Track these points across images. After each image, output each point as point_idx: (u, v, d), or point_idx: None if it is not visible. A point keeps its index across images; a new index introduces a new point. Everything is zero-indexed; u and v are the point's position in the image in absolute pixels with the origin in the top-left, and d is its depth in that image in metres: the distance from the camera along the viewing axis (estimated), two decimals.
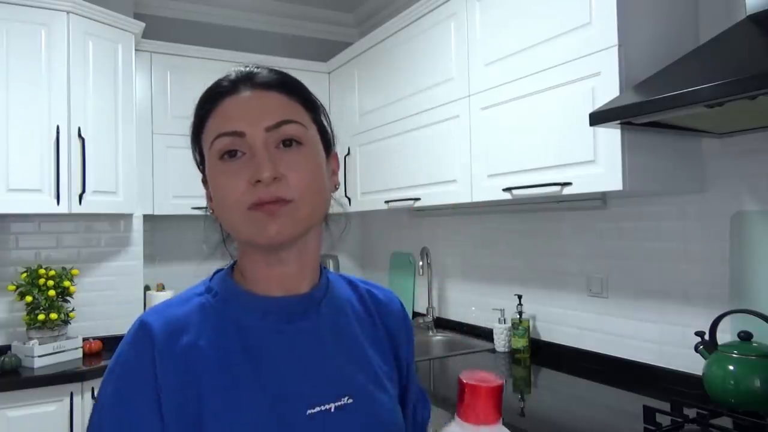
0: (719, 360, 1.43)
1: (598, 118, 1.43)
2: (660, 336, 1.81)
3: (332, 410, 0.66)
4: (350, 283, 0.82)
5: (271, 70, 0.71)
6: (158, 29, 3.05)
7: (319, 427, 0.65)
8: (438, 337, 2.66)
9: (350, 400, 0.68)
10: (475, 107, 2.06)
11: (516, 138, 1.88)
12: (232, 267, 0.74)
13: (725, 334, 1.53)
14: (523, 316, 2.23)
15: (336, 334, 0.72)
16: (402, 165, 2.52)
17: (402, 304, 0.85)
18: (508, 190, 1.89)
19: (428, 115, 2.32)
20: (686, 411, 1.45)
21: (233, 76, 0.69)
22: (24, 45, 2.27)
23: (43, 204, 2.29)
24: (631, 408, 1.58)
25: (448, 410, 1.73)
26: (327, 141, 0.74)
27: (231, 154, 0.65)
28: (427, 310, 2.78)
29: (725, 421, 1.39)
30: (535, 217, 2.28)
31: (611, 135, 1.55)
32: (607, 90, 1.55)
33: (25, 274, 2.39)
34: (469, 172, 2.10)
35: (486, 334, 2.45)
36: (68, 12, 2.34)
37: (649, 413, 1.42)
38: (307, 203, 0.65)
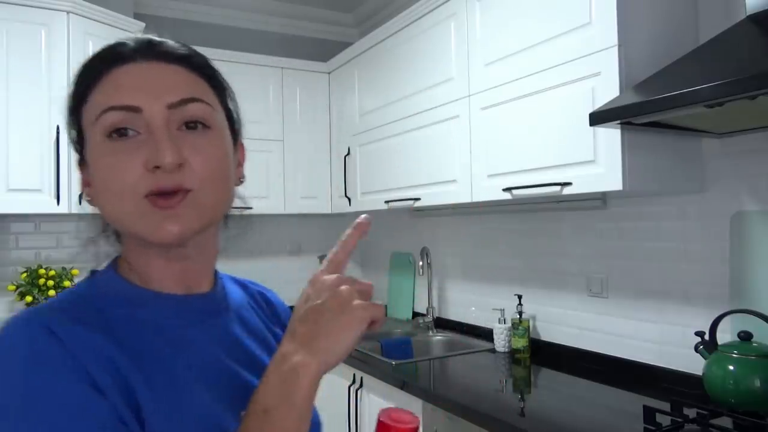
0: (719, 360, 1.43)
1: (598, 118, 1.43)
2: (660, 336, 1.81)
3: None
4: (239, 283, 0.75)
5: (170, 41, 0.61)
6: (158, 29, 3.04)
7: None
8: (438, 337, 2.66)
9: None
10: (475, 107, 2.06)
11: (516, 138, 1.88)
12: (115, 264, 0.63)
13: (725, 334, 1.53)
14: (523, 316, 2.23)
15: (248, 331, 0.67)
16: (402, 165, 2.52)
17: (285, 305, 0.80)
18: (508, 190, 1.89)
19: (428, 115, 2.32)
20: (686, 411, 1.45)
21: (130, 43, 0.59)
22: (24, 45, 2.27)
23: (43, 204, 2.29)
24: (631, 408, 1.58)
25: (448, 410, 1.73)
26: (234, 128, 0.65)
27: (121, 132, 0.54)
28: (427, 310, 2.78)
29: (725, 421, 1.39)
30: (535, 217, 2.28)
31: (611, 135, 1.55)
32: (607, 90, 1.55)
33: (25, 274, 2.39)
34: (469, 172, 2.10)
35: (486, 334, 2.45)
36: (68, 12, 2.34)
37: (649, 413, 1.42)
38: (212, 193, 0.57)
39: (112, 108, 0.55)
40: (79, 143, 0.60)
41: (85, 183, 0.61)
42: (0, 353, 0.50)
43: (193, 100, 0.57)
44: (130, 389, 0.52)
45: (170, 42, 0.60)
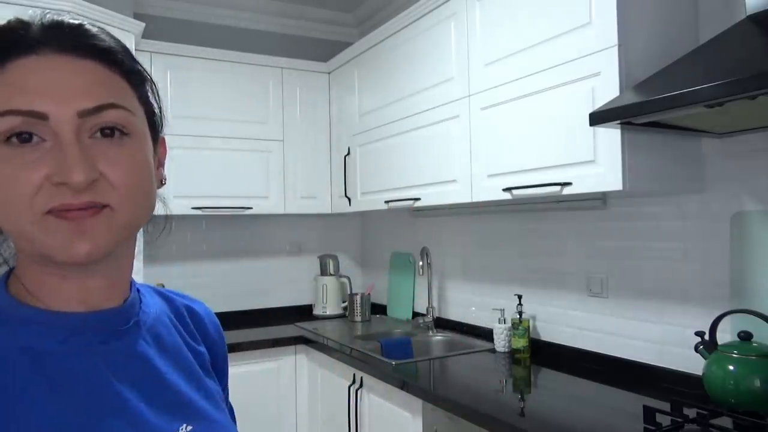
0: (719, 360, 1.43)
1: (598, 118, 1.43)
2: (660, 336, 1.81)
3: None
4: (162, 295, 0.68)
5: (84, 26, 0.51)
6: (158, 29, 3.05)
7: None
8: (438, 337, 2.66)
9: (190, 428, 0.56)
10: (475, 107, 2.06)
11: (516, 138, 1.88)
12: (5, 281, 0.55)
13: (725, 334, 1.53)
14: (523, 316, 2.23)
15: (162, 351, 0.59)
16: (402, 165, 2.52)
17: (214, 315, 0.74)
18: (508, 190, 1.89)
19: (428, 115, 2.33)
20: (686, 411, 1.45)
21: (34, 26, 0.49)
22: None
23: None
24: (631, 408, 1.58)
25: (448, 410, 1.73)
26: (154, 124, 0.58)
27: (23, 138, 0.47)
28: (427, 310, 2.78)
29: (725, 421, 1.39)
30: (535, 217, 2.28)
31: (611, 135, 1.55)
32: (607, 90, 1.55)
33: None
34: (469, 172, 2.10)
35: (486, 334, 2.45)
36: (68, 12, 2.34)
37: (649, 413, 1.42)
38: (130, 209, 0.50)
39: (12, 112, 0.46)
40: None
41: None
42: None
43: (110, 106, 0.49)
44: None
45: (86, 28, 0.51)
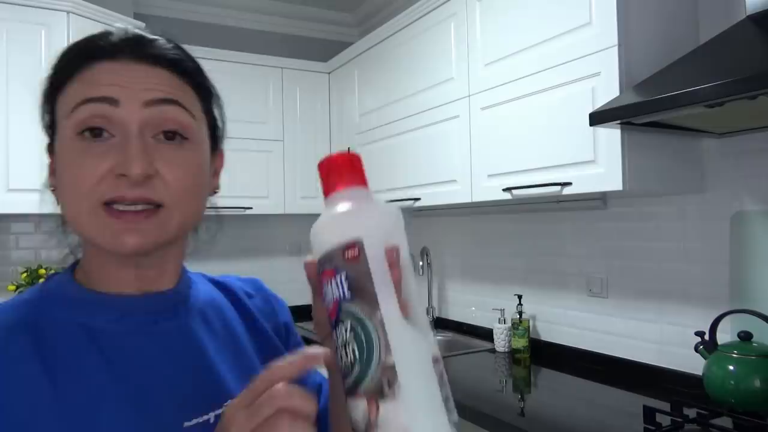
0: (719, 360, 1.43)
1: (598, 118, 1.43)
2: (660, 336, 1.81)
3: (212, 420, 0.56)
4: (211, 280, 0.71)
5: (167, 40, 0.58)
6: (158, 29, 3.05)
7: None
8: (438, 337, 2.66)
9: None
10: (475, 107, 2.06)
11: (516, 138, 1.88)
12: (73, 268, 0.61)
13: (725, 334, 1.53)
14: (523, 316, 2.23)
15: (210, 333, 0.62)
16: (402, 165, 2.52)
17: (263, 285, 0.76)
18: (508, 190, 1.89)
19: (428, 115, 2.32)
20: (686, 411, 1.45)
21: (115, 38, 0.55)
22: (24, 45, 2.27)
23: (43, 204, 2.28)
24: (631, 408, 1.58)
25: None
26: (216, 136, 0.63)
27: (95, 132, 0.51)
28: (427, 310, 2.78)
29: (725, 421, 1.39)
30: (535, 217, 2.28)
31: (611, 135, 1.55)
32: (607, 90, 1.55)
33: (25, 274, 2.39)
34: (469, 172, 2.10)
35: (486, 334, 2.45)
36: (68, 12, 2.34)
37: (649, 413, 1.42)
38: (181, 210, 0.54)
39: (89, 100, 0.51)
40: (51, 128, 0.57)
41: (52, 170, 0.57)
42: None
43: (171, 101, 0.54)
44: (26, 403, 0.49)
45: (161, 42, 0.56)
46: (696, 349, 1.51)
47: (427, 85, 2.33)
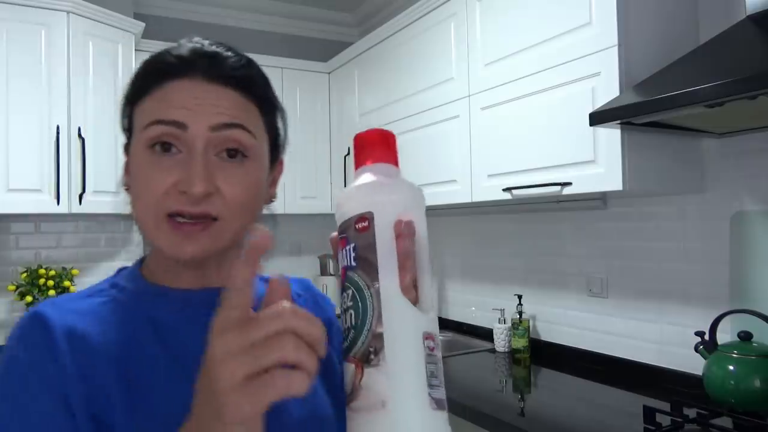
0: (719, 360, 1.43)
1: (598, 118, 1.43)
2: (660, 336, 1.81)
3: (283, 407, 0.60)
4: (262, 278, 0.75)
5: (237, 59, 0.61)
6: (158, 29, 3.05)
7: (276, 426, 0.58)
8: (438, 337, 2.66)
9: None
10: (475, 107, 2.06)
11: (516, 138, 1.88)
12: (140, 263, 0.67)
13: (725, 334, 1.53)
14: (523, 316, 2.23)
15: None
16: (402, 165, 2.50)
17: (311, 285, 0.79)
18: (508, 190, 1.89)
19: (428, 115, 2.32)
20: (686, 411, 1.45)
21: (188, 54, 0.59)
22: (24, 45, 2.27)
23: (43, 204, 2.29)
24: (631, 408, 1.58)
25: (450, 410, 1.72)
26: (277, 146, 0.67)
27: (165, 147, 0.56)
28: None
29: (725, 421, 1.39)
30: (535, 217, 2.28)
31: (611, 135, 1.55)
32: (607, 90, 1.55)
33: (25, 274, 2.39)
34: (469, 172, 2.10)
35: (486, 334, 2.45)
36: (68, 12, 2.34)
37: (649, 413, 1.42)
38: (235, 223, 0.58)
39: (160, 122, 0.56)
40: (129, 132, 0.62)
41: (127, 170, 0.62)
42: (6, 347, 0.56)
43: (235, 126, 0.57)
44: (101, 393, 0.54)
45: (232, 60, 0.60)
46: (696, 349, 1.51)
47: (427, 85, 2.33)
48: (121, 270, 0.67)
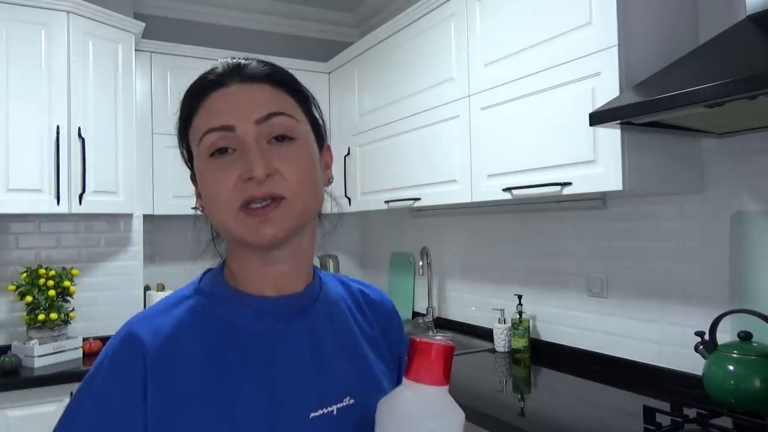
0: (719, 360, 1.43)
1: (598, 118, 1.43)
2: (660, 336, 1.81)
3: (335, 412, 0.64)
4: (341, 282, 0.79)
5: (259, 62, 0.68)
6: (158, 29, 3.05)
7: (321, 429, 0.63)
8: (438, 337, 2.66)
9: (352, 401, 0.66)
10: (475, 107, 2.06)
11: (516, 138, 1.88)
12: (222, 266, 0.71)
13: (725, 334, 1.53)
14: (523, 316, 2.23)
15: (334, 332, 0.70)
16: (402, 165, 2.52)
17: (392, 302, 0.84)
18: (508, 190, 1.89)
19: (428, 115, 2.33)
20: (686, 411, 1.45)
21: (220, 68, 0.66)
22: (24, 45, 2.27)
23: (43, 204, 2.29)
24: (631, 408, 1.58)
25: None
26: (320, 134, 0.72)
27: (221, 150, 0.62)
28: (427, 310, 2.78)
29: (725, 421, 1.39)
30: (535, 217, 2.28)
31: (611, 135, 1.55)
32: (607, 90, 1.55)
33: (25, 274, 2.39)
34: (469, 172, 2.10)
35: (486, 334, 2.45)
36: (68, 12, 2.34)
37: (649, 413, 1.42)
38: (301, 198, 0.63)
39: (211, 130, 0.62)
40: (190, 160, 0.69)
41: (198, 195, 0.68)
42: (100, 359, 0.63)
43: (277, 114, 0.63)
44: (188, 404, 0.60)
45: (253, 63, 0.67)
46: (696, 349, 1.51)
47: (427, 85, 2.33)
48: (206, 272, 0.71)
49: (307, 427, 0.62)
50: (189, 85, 0.68)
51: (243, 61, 0.67)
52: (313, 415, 0.63)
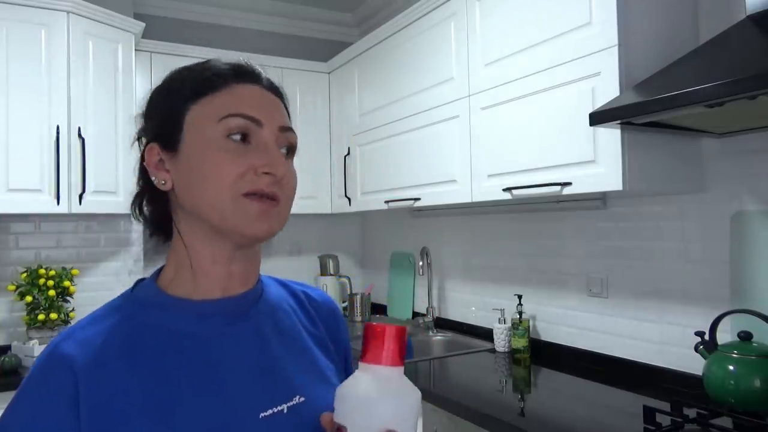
0: (719, 360, 1.43)
1: (598, 118, 1.43)
2: (660, 336, 1.81)
3: (285, 411, 0.65)
4: (281, 284, 0.81)
5: (268, 75, 0.72)
6: (158, 29, 3.05)
7: (272, 429, 0.63)
8: (438, 337, 2.66)
9: (302, 399, 0.67)
10: (475, 107, 2.06)
11: (516, 138, 1.88)
12: (156, 275, 0.70)
13: (725, 334, 1.53)
14: (523, 316, 2.23)
15: (279, 332, 0.71)
16: (402, 165, 2.52)
17: (335, 303, 0.85)
18: (508, 190, 1.89)
19: (428, 115, 2.33)
20: (686, 411, 1.45)
21: (246, 65, 0.69)
22: (24, 45, 2.27)
23: (43, 204, 2.29)
24: (631, 408, 1.58)
25: (448, 410, 1.73)
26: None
27: (244, 137, 0.64)
28: (427, 310, 2.78)
29: (725, 421, 1.39)
30: (535, 217, 2.28)
31: (611, 135, 1.55)
32: (607, 90, 1.55)
33: (25, 274, 2.39)
34: (469, 172, 2.10)
35: (486, 334, 2.45)
36: (68, 12, 2.34)
37: (649, 413, 1.42)
38: (287, 208, 0.67)
39: (241, 115, 0.64)
40: (172, 129, 0.66)
41: (161, 168, 0.67)
42: (24, 384, 0.61)
43: (291, 130, 0.69)
44: (127, 416, 0.59)
45: (270, 76, 0.72)
46: (696, 349, 1.51)
47: (427, 85, 2.33)
48: (138, 282, 0.70)
49: (257, 428, 0.62)
50: (198, 64, 0.69)
51: (261, 70, 0.71)
52: (263, 415, 0.63)
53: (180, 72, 0.70)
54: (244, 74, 0.68)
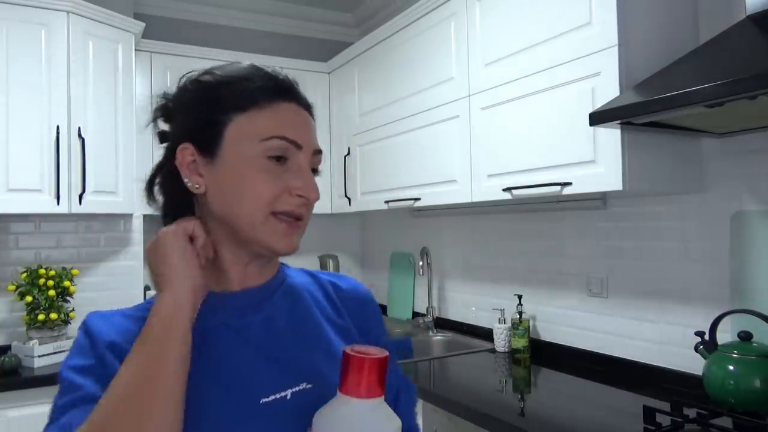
0: (719, 360, 1.43)
1: (598, 118, 1.43)
2: (660, 336, 1.81)
3: (288, 396, 0.67)
4: (309, 274, 0.84)
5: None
6: (158, 29, 3.05)
7: (273, 414, 0.65)
8: (438, 337, 2.66)
9: (308, 386, 0.68)
10: (475, 107, 2.06)
11: (516, 138, 1.88)
12: None
13: (725, 334, 1.53)
14: (523, 316, 2.23)
15: (293, 321, 0.74)
16: (402, 165, 2.52)
17: (367, 290, 0.86)
18: (508, 190, 1.89)
19: (428, 115, 2.33)
20: (686, 411, 1.45)
21: (285, 80, 0.72)
22: (24, 45, 2.27)
23: (43, 204, 2.29)
24: (631, 408, 1.58)
25: (448, 410, 1.73)
26: None
27: (281, 158, 0.68)
28: (427, 310, 2.78)
29: (725, 421, 1.39)
30: (535, 217, 2.28)
31: (611, 135, 1.55)
32: (607, 90, 1.55)
33: (25, 274, 2.39)
34: (469, 172, 2.10)
35: (486, 334, 2.45)
36: (68, 12, 2.34)
37: (649, 413, 1.42)
38: (306, 224, 0.71)
39: (285, 138, 0.68)
40: (212, 136, 0.68)
41: (194, 171, 0.70)
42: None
43: (321, 152, 0.73)
44: None
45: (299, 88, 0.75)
46: (696, 349, 1.51)
47: (427, 85, 2.33)
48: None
49: (256, 412, 0.65)
50: (242, 71, 0.71)
51: (296, 84, 0.75)
52: (263, 400, 0.66)
53: (216, 75, 0.71)
54: (285, 91, 0.71)
